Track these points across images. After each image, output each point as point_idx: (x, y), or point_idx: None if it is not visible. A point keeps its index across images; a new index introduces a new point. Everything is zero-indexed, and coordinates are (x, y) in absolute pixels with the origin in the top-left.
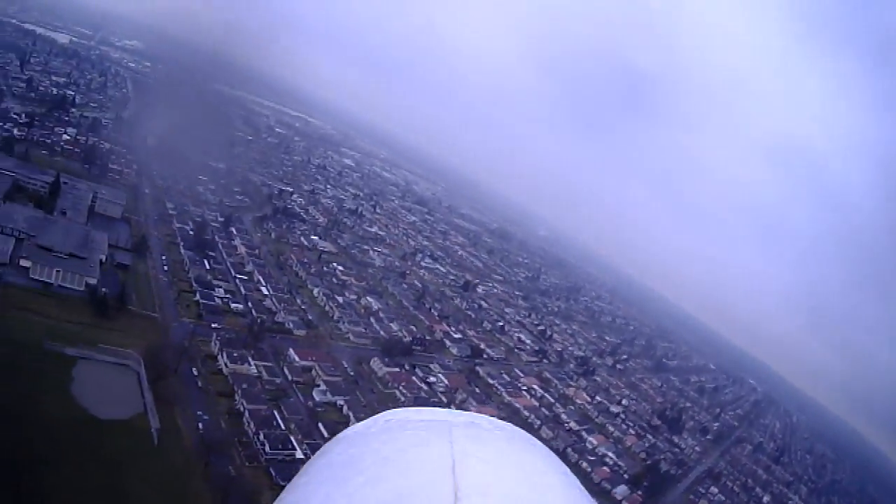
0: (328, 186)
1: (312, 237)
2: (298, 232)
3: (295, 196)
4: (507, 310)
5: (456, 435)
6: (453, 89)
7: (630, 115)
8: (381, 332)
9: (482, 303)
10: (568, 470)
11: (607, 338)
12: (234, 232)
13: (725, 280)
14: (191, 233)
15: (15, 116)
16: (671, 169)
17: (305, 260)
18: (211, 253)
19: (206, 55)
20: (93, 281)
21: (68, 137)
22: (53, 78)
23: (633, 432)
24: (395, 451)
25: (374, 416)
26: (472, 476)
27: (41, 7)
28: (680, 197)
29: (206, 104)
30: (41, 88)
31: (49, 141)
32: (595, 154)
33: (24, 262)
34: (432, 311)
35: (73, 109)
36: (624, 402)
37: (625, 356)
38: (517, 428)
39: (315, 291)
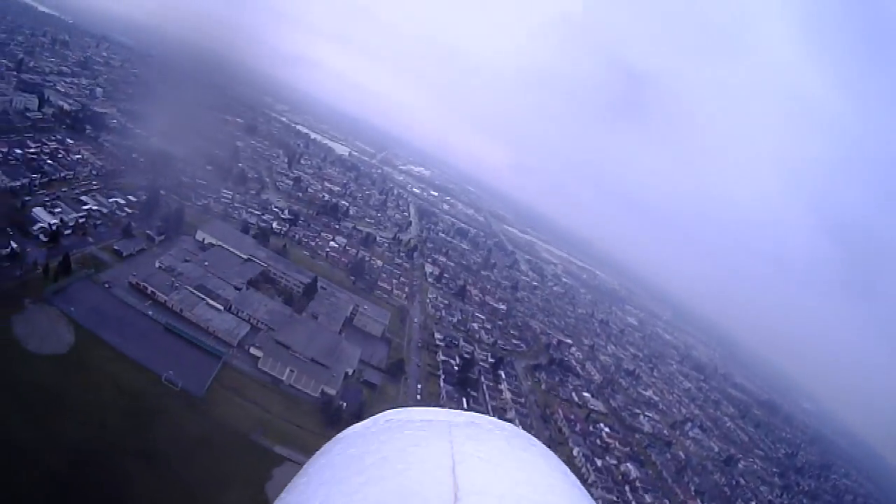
0: (609, 343)
1: (584, 394)
2: (570, 386)
3: (573, 349)
4: (762, 487)
5: (456, 435)
6: (736, 253)
7: None
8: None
9: (740, 479)
10: (568, 470)
11: None
12: (503, 376)
13: None
14: (455, 368)
15: (277, 210)
16: None
17: (572, 417)
18: (472, 392)
19: (495, 197)
20: (331, 391)
21: (336, 245)
22: (326, 184)
23: None
24: (395, 451)
25: (374, 416)
26: (472, 476)
27: (312, 112)
28: None
29: (496, 247)
30: (310, 191)
31: (312, 244)
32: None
33: (254, 351)
34: (690, 484)
35: (346, 220)
36: None
37: None
38: (517, 428)
39: (575, 451)
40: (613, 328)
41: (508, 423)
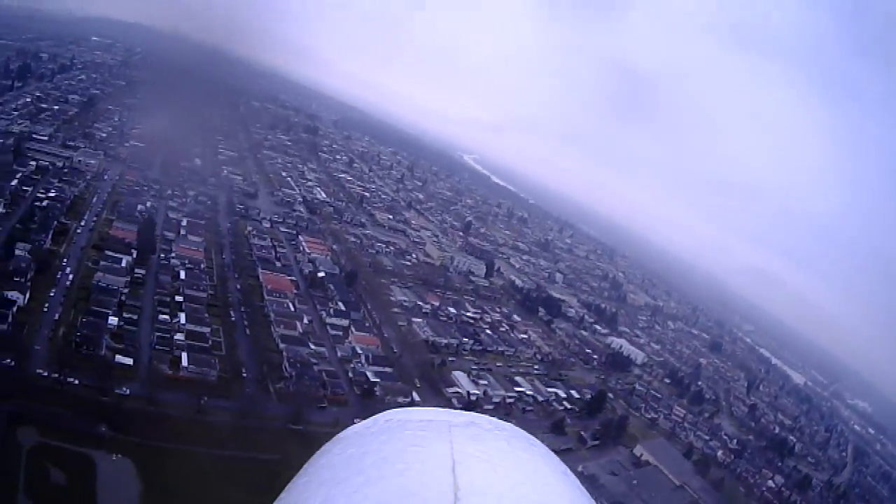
0: None
1: None
2: None
3: None
4: None
5: (456, 435)
6: None
7: None
8: None
9: None
10: (568, 470)
11: None
12: None
13: None
14: None
15: (726, 437)
16: None
17: None
18: None
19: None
20: None
21: (772, 485)
22: (779, 416)
23: None
24: (395, 451)
25: (374, 416)
26: (472, 476)
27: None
28: None
29: None
30: (763, 421)
31: (751, 480)
32: None
33: None
34: None
35: (789, 459)
36: None
37: None
38: (517, 428)
39: None
40: None
41: (508, 424)
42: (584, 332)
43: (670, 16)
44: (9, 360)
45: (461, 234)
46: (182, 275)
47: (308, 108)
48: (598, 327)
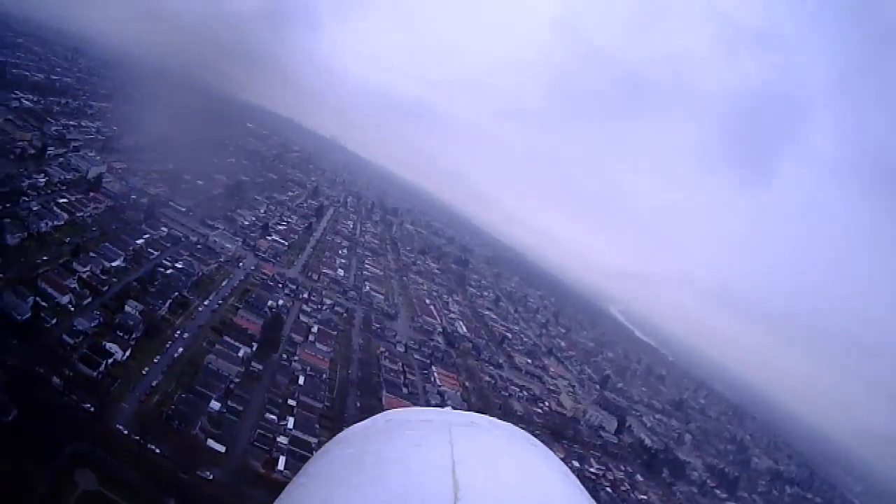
0: None
1: None
2: None
3: None
4: None
5: (456, 435)
6: None
7: None
8: None
9: None
10: (568, 470)
11: None
12: None
13: None
14: None
15: None
16: None
17: None
18: None
19: None
20: None
21: None
22: None
23: None
24: (395, 451)
25: (374, 416)
26: (472, 476)
27: None
28: None
29: None
30: None
31: None
32: None
33: None
34: None
35: None
36: None
37: None
38: (517, 428)
39: None
40: None
41: (508, 423)
42: (705, 499)
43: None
44: (89, 406)
45: (598, 386)
46: (301, 380)
47: (462, 239)
48: (717, 492)
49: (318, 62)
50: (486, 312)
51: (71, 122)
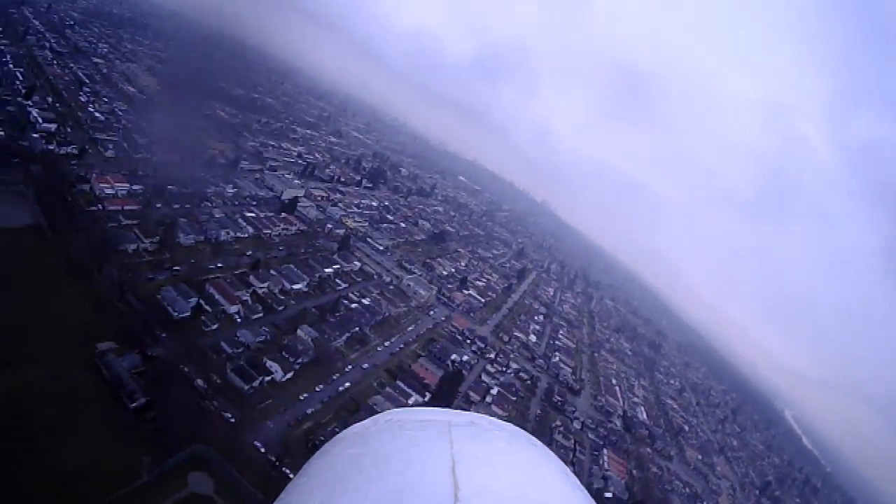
0: None
1: None
2: None
3: None
4: None
5: (456, 435)
6: None
7: None
8: None
9: None
10: (568, 470)
11: None
12: None
13: None
14: None
15: None
16: None
17: None
18: None
19: None
20: None
21: None
22: None
23: None
24: (395, 451)
25: (374, 416)
26: (472, 476)
27: None
28: None
29: None
30: None
31: None
32: None
33: None
34: None
35: None
36: None
37: None
38: (517, 428)
39: None
40: None
41: (508, 423)
42: None
43: None
44: (230, 416)
45: (757, 492)
46: None
47: (657, 322)
48: None
49: (533, 123)
50: (669, 401)
51: (270, 142)
